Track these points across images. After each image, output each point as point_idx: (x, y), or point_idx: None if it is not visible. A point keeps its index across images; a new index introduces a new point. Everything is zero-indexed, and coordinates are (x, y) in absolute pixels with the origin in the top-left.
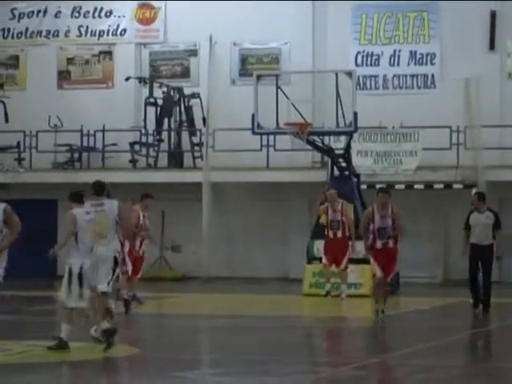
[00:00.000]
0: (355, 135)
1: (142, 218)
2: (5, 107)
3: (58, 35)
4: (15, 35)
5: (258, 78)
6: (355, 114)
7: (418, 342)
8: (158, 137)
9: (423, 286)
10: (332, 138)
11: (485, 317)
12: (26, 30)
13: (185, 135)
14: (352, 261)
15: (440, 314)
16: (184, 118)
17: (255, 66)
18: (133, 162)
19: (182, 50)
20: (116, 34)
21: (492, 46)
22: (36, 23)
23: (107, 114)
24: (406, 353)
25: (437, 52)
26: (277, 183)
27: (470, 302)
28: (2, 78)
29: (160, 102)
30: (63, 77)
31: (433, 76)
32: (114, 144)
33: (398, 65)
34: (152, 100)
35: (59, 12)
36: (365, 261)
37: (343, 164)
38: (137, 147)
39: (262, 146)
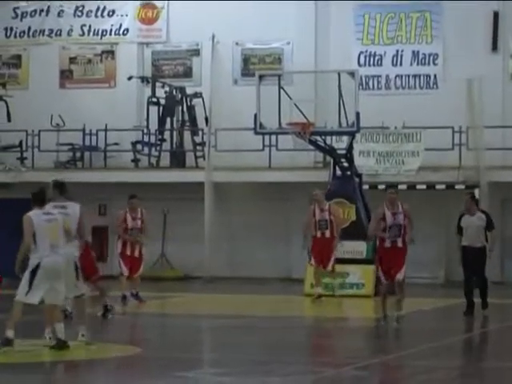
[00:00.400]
0: (357, 135)
1: (130, 219)
2: (7, 106)
3: (60, 34)
4: (17, 34)
5: (261, 77)
6: (357, 114)
7: (420, 343)
8: (160, 136)
9: (425, 286)
10: (334, 138)
11: (484, 318)
12: (29, 29)
13: (187, 135)
14: (355, 261)
15: (442, 315)
16: (186, 117)
17: (257, 65)
18: (135, 161)
19: (184, 50)
20: (118, 34)
21: (495, 47)
22: (38, 22)
23: (109, 114)
24: (408, 353)
25: (439, 52)
26: (279, 183)
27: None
28: (5, 78)
29: (162, 101)
30: (65, 76)
31: (435, 76)
32: (116, 143)
33: (401, 65)
34: (154, 99)
35: (62, 11)
36: (368, 261)
37: (345, 164)
38: (139, 147)
39: (264, 145)
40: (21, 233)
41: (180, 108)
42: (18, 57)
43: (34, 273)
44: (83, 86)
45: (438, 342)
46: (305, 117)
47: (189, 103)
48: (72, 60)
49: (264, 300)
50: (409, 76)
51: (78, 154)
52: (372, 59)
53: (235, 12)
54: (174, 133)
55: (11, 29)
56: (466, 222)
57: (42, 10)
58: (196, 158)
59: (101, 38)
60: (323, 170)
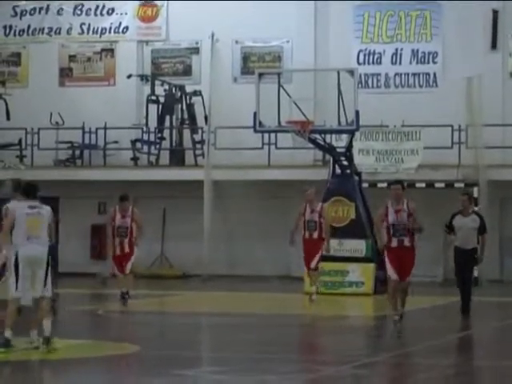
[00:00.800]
0: (357, 133)
1: (119, 217)
2: (6, 104)
3: (59, 32)
4: (17, 32)
5: (260, 76)
6: (357, 113)
7: (419, 341)
8: (159, 134)
9: (424, 284)
10: (334, 136)
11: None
12: (28, 27)
13: (186, 133)
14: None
15: (441, 313)
16: (186, 115)
17: (257, 64)
18: (134, 159)
19: (183, 48)
20: (118, 32)
21: (494, 45)
22: (38, 20)
23: (109, 112)
24: (408, 352)
25: (439, 51)
26: (278, 181)
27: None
28: (4, 76)
29: (162, 99)
30: (65, 74)
31: (435, 75)
32: (115, 141)
33: (400, 63)
34: (154, 98)
35: (61, 9)
36: (367, 259)
37: (345, 162)
38: (138, 145)
39: (263, 144)
40: None
41: (179, 106)
42: (18, 55)
43: (16, 266)
44: (83, 84)
45: (437, 340)
46: (304, 115)
47: (188, 101)
48: (71, 58)
49: (263, 298)
50: (408, 74)
51: (78, 152)
52: (371, 57)
53: (235, 10)
54: (174, 131)
55: (11, 27)
56: (459, 222)
57: (41, 9)
58: (195, 156)
59: (100, 36)
60: (322, 169)
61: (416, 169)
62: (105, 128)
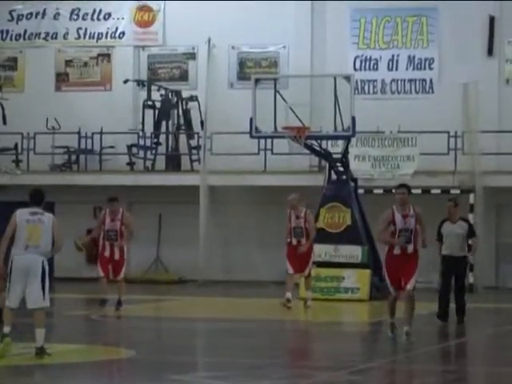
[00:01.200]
0: (353, 139)
1: (108, 221)
2: (3, 109)
3: (56, 37)
4: (13, 37)
5: (257, 81)
6: (353, 119)
7: (416, 347)
8: (155, 140)
9: (420, 291)
10: (330, 142)
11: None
12: (25, 31)
13: (182, 138)
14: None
15: (437, 320)
16: (182, 121)
17: (253, 69)
18: (130, 164)
19: (180, 53)
20: (114, 37)
21: (490, 52)
22: (34, 25)
23: (105, 117)
24: (403, 358)
25: (435, 57)
26: (274, 187)
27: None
28: (0, 80)
29: (158, 104)
30: (61, 79)
31: (431, 81)
32: (111, 146)
33: (397, 69)
34: (150, 103)
35: (58, 14)
36: (363, 265)
37: (341, 168)
38: (134, 150)
39: (259, 149)
40: None
41: (176, 111)
42: (14, 59)
43: (10, 272)
44: (79, 88)
45: (432, 346)
46: (300, 121)
47: (184, 107)
48: (68, 63)
49: (259, 303)
50: (404, 80)
51: (74, 157)
52: (368, 63)
53: (231, 16)
54: (170, 136)
55: (7, 31)
56: (447, 229)
57: (38, 13)
58: (191, 161)
59: (97, 41)
60: (318, 174)
61: (412, 175)
62: (101, 133)
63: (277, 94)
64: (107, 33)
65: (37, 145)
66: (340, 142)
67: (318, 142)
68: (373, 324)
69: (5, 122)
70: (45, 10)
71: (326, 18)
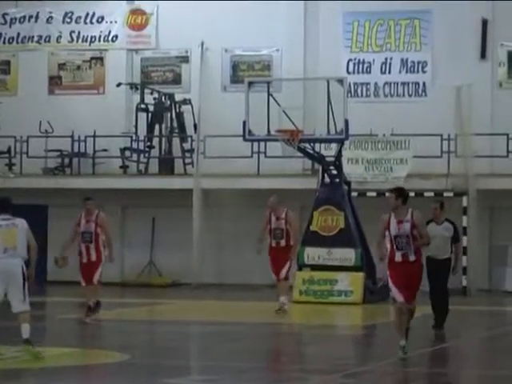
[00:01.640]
0: (346, 142)
1: (84, 222)
2: None
3: (49, 40)
4: (6, 40)
5: (250, 84)
6: (346, 122)
7: (409, 350)
8: (148, 143)
9: None
10: (323, 145)
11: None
12: (18, 35)
13: (176, 141)
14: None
15: (430, 322)
16: (175, 124)
17: (247, 72)
18: (123, 167)
19: (173, 57)
20: (107, 40)
21: (483, 55)
22: (27, 28)
23: (98, 120)
24: (397, 361)
25: (428, 60)
26: (267, 190)
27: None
28: None
29: (151, 108)
30: (54, 82)
31: (424, 84)
32: (104, 150)
33: (390, 72)
34: (143, 106)
35: (51, 17)
36: (356, 268)
37: (334, 171)
38: (128, 153)
39: (252, 152)
40: None
41: (169, 115)
42: (7, 63)
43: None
44: (72, 92)
45: (426, 349)
46: (293, 124)
47: (178, 110)
48: (61, 66)
49: (252, 307)
50: (397, 83)
51: (67, 161)
52: (361, 66)
53: (224, 19)
54: (163, 139)
55: (0, 35)
56: (432, 231)
57: (31, 17)
58: (185, 164)
59: (90, 44)
60: (312, 177)
61: (405, 178)
62: (94, 136)
63: (270, 97)
64: (100, 36)
65: (30, 148)
66: (333, 145)
67: (312, 145)
68: (366, 327)
69: None
70: (38, 14)
71: (319, 21)
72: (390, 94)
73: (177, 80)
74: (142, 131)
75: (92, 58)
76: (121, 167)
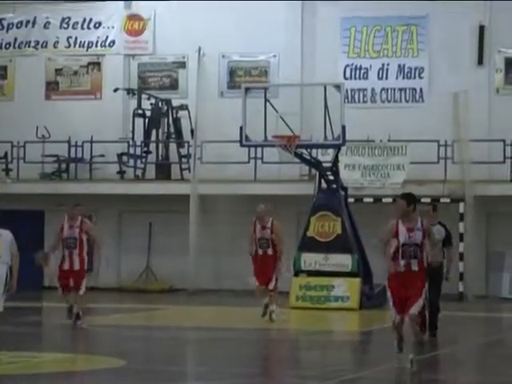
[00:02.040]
0: (343, 148)
1: (67, 228)
2: None
3: (46, 46)
4: (3, 46)
5: (247, 90)
6: (343, 127)
7: (406, 356)
8: (145, 148)
9: None
10: (320, 151)
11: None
12: (15, 40)
13: (172, 147)
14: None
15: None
16: (172, 129)
17: (244, 78)
18: (120, 173)
19: (170, 62)
20: (105, 45)
21: (480, 61)
22: (25, 34)
23: (95, 125)
24: (393, 367)
25: (425, 66)
26: (264, 196)
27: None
28: None
29: (148, 113)
30: (51, 87)
31: (421, 90)
32: (101, 155)
33: (387, 78)
34: (140, 111)
35: (48, 23)
36: (353, 274)
37: (331, 177)
38: (124, 158)
39: (249, 158)
40: None
41: (166, 120)
42: (4, 68)
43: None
44: (69, 97)
45: (423, 355)
46: (290, 130)
47: (174, 115)
48: (58, 71)
49: (249, 312)
50: (394, 89)
51: (64, 166)
52: (358, 72)
53: (222, 25)
54: (160, 145)
55: None
56: None
57: (28, 22)
58: (181, 170)
59: (87, 49)
60: (309, 183)
61: (402, 184)
62: (91, 141)
63: (267, 102)
64: (97, 41)
65: (27, 153)
66: (330, 151)
67: (308, 150)
68: (363, 333)
69: None
70: (35, 19)
71: (316, 27)
72: (387, 100)
73: (174, 85)
74: (139, 137)
75: (89, 64)
76: (118, 172)
